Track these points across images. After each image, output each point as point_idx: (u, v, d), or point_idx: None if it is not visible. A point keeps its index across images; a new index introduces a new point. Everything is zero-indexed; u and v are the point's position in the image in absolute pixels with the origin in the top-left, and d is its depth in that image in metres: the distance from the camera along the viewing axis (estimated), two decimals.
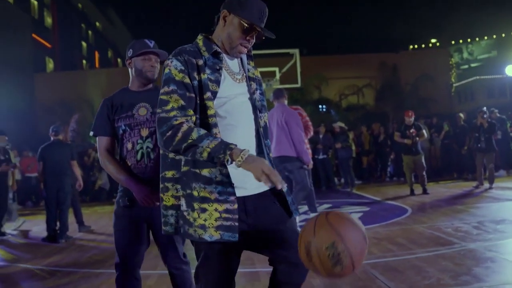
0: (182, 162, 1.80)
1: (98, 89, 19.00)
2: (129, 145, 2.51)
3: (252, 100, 1.93)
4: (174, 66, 1.76)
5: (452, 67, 22.69)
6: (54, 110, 16.65)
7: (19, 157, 12.28)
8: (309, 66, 18.14)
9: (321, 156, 11.30)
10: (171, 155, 1.82)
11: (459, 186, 9.92)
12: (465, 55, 37.00)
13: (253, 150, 1.87)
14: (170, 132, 1.68)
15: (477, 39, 35.24)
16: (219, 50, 1.85)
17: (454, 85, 23.40)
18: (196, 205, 1.74)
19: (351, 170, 10.95)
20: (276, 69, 12.53)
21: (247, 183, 1.81)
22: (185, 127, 1.67)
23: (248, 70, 1.98)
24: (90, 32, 44.29)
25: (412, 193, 8.96)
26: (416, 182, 9.37)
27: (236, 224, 1.75)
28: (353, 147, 11.15)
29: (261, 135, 1.93)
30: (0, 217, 7.08)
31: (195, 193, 1.74)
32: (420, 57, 19.23)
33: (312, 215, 6.22)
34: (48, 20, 35.53)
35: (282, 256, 1.86)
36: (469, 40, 34.97)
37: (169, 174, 1.83)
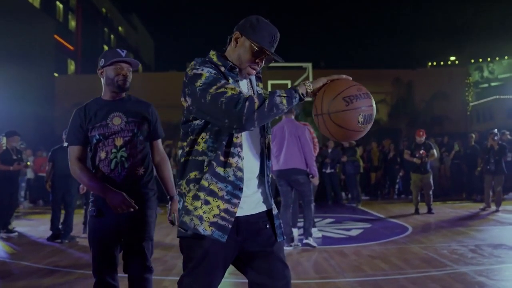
0: (206, 163, 1.81)
1: None
2: (103, 154, 2.52)
3: None
4: (208, 71, 1.77)
5: (469, 85, 22.49)
6: (72, 113, 16.97)
7: (33, 157, 12.60)
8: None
9: (328, 170, 11.32)
10: (197, 157, 1.82)
11: (466, 207, 9.84)
12: (486, 73, 36.57)
13: (256, 169, 1.90)
14: (247, 103, 1.65)
15: (497, 58, 34.83)
16: (234, 65, 1.88)
17: (471, 104, 23.16)
18: (202, 195, 1.77)
19: (358, 185, 10.95)
20: (289, 82, 12.63)
21: (245, 203, 1.84)
22: (255, 97, 1.66)
23: (257, 91, 2.02)
24: (112, 36, 45.13)
25: (416, 212, 8.92)
26: (422, 201, 9.32)
27: (230, 226, 1.77)
28: (361, 163, 11.14)
29: (265, 155, 1.95)
30: (9, 215, 7.29)
31: (206, 183, 1.77)
32: (436, 74, 19.07)
33: (294, 230, 6.26)
34: (72, 23, 36.38)
35: (261, 283, 1.85)
36: (489, 59, 34.58)
37: (192, 175, 1.82)
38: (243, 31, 1.87)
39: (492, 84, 35.33)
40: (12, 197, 7.32)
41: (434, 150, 9.38)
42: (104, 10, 42.66)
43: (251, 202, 1.86)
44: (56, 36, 30.74)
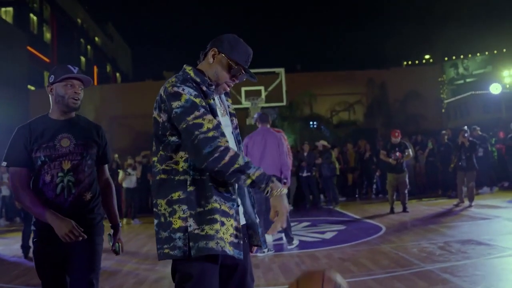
0: (188, 182, 1.80)
1: (92, 105, 19.17)
2: (48, 177, 2.33)
3: (234, 134, 2.04)
4: (188, 93, 1.78)
5: (444, 83, 22.90)
6: None
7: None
8: (301, 82, 18.36)
9: (305, 174, 11.39)
10: (178, 176, 1.82)
11: (440, 204, 10.00)
12: (461, 70, 37.20)
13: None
14: (217, 154, 1.70)
15: (469, 55, 35.50)
16: (211, 82, 1.92)
17: (446, 101, 23.57)
18: (217, 217, 1.77)
19: (335, 187, 11.05)
20: (262, 87, 12.70)
21: (239, 212, 1.90)
22: (231, 151, 1.73)
23: (228, 106, 2.08)
24: (89, 47, 44.74)
25: (392, 211, 9.03)
26: (398, 200, 9.44)
27: (241, 242, 1.84)
28: (337, 165, 11.24)
29: None
30: None
31: (217, 205, 1.79)
32: (409, 74, 19.39)
33: (268, 237, 6.32)
34: (47, 35, 35.95)
35: None
36: (461, 56, 35.22)
37: (175, 196, 1.80)
38: (221, 49, 1.92)
39: (468, 80, 35.96)
40: None
41: (410, 150, 9.52)
42: (79, 20, 42.31)
43: (240, 213, 1.93)
44: (30, 49, 30.34)
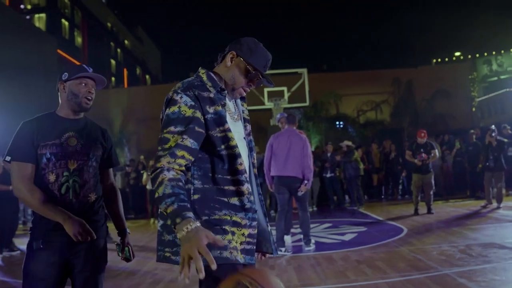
0: (192, 191, 1.77)
1: (119, 108, 19.58)
2: (52, 177, 2.24)
3: (247, 141, 1.97)
4: (184, 102, 1.74)
5: (475, 80, 22.21)
6: None
7: None
8: (327, 82, 18.22)
9: (329, 175, 11.32)
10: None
11: (468, 205, 9.74)
12: (494, 67, 36.06)
13: (254, 187, 1.93)
14: (153, 175, 1.68)
15: (502, 51, 34.34)
16: (223, 87, 1.87)
17: (478, 99, 22.88)
18: (228, 228, 1.76)
19: (359, 188, 10.91)
20: (285, 88, 12.65)
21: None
22: (160, 178, 1.64)
23: (242, 111, 2.03)
24: (119, 50, 45.75)
25: (416, 212, 8.86)
26: (423, 201, 9.25)
27: (254, 248, 1.84)
28: (361, 165, 11.10)
29: (253, 175, 1.97)
30: (11, 234, 7.45)
31: (228, 217, 1.77)
32: (437, 72, 18.89)
33: (287, 237, 6.35)
34: (79, 40, 37.00)
35: None
36: (493, 52, 34.10)
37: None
38: (240, 52, 1.87)
39: (502, 77, 34.79)
40: (13, 216, 7.47)
41: (436, 151, 9.28)
42: (109, 24, 43.31)
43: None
44: (62, 53, 31.29)
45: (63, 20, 34.32)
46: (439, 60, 32.28)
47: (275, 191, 6.20)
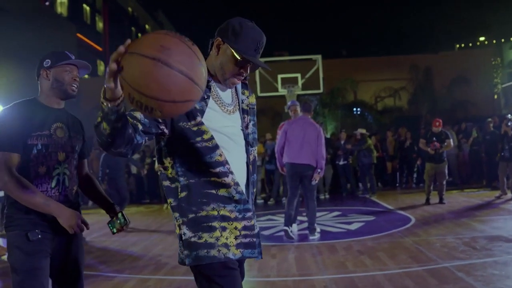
0: (179, 189, 1.74)
1: None
2: (42, 169, 2.17)
3: (244, 133, 1.85)
4: None
5: (498, 66, 21.59)
6: (92, 114, 17.56)
7: None
8: (344, 68, 17.99)
9: (341, 162, 11.25)
10: (169, 183, 1.77)
11: (482, 196, 9.57)
12: None
13: (243, 184, 1.82)
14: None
15: None
16: (208, 78, 1.72)
17: (503, 85, 22.26)
18: (217, 224, 1.70)
19: (372, 176, 10.82)
20: (299, 75, 12.56)
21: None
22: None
23: (242, 101, 1.89)
24: (139, 35, 45.96)
25: (427, 202, 8.76)
26: (436, 190, 9.13)
27: (255, 239, 1.77)
28: (374, 153, 10.98)
29: (250, 170, 1.87)
30: None
31: (215, 212, 1.70)
32: (458, 57, 18.38)
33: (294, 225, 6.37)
34: (100, 25, 37.28)
35: None
36: None
37: (170, 201, 1.78)
38: (225, 38, 1.71)
39: None
40: None
41: (451, 140, 9.08)
42: (130, 9, 43.47)
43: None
44: (84, 38, 31.62)
45: (84, 5, 34.58)
46: (463, 45, 31.45)
47: (288, 179, 6.26)
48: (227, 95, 1.83)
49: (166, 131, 1.71)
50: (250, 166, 1.86)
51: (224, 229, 1.71)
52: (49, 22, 20.23)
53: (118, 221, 2.31)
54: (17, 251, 2.11)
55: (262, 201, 10.92)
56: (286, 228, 6.15)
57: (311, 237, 6.11)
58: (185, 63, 1.30)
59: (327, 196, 11.13)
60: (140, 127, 1.62)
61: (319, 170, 6.07)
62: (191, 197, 1.72)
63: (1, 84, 11.69)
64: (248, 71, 1.78)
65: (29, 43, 15.72)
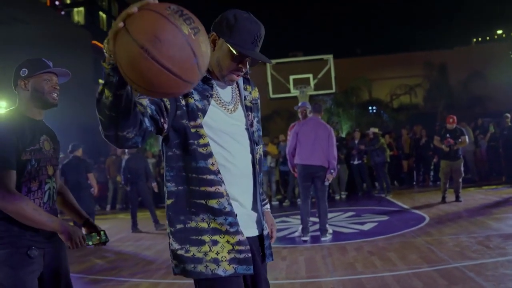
0: (166, 195, 1.66)
1: None
2: (35, 184, 2.12)
3: (249, 133, 1.77)
4: None
5: None
6: None
7: None
8: (358, 67, 17.86)
9: (356, 162, 11.18)
10: (164, 188, 1.70)
11: (500, 193, 9.37)
12: None
13: (250, 185, 1.75)
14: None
15: None
16: (209, 76, 1.65)
17: None
18: (207, 238, 1.59)
19: (386, 175, 10.72)
20: (310, 75, 12.52)
21: (248, 225, 1.72)
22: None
23: (245, 97, 1.79)
24: None
25: (443, 200, 8.62)
26: (452, 188, 8.98)
27: (250, 255, 1.64)
28: (387, 152, 10.88)
29: (256, 170, 1.77)
30: None
31: (205, 225, 1.60)
32: (474, 52, 18.04)
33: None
34: None
35: None
36: None
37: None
38: (220, 32, 1.62)
39: None
40: None
41: (466, 137, 8.93)
42: None
43: (253, 224, 1.75)
44: (100, 44, 32.10)
45: (100, 13, 35.14)
46: (480, 39, 30.86)
47: (300, 180, 6.25)
48: (226, 93, 1.74)
49: (165, 126, 1.60)
50: (257, 166, 1.77)
51: (215, 243, 1.60)
52: (65, 31, 20.64)
53: (98, 238, 2.26)
54: (6, 269, 2.00)
55: (277, 202, 10.92)
56: (305, 238, 6.13)
57: (322, 239, 6.09)
58: (175, 59, 1.21)
59: (344, 196, 11.05)
60: (149, 111, 1.52)
61: (332, 171, 6.06)
62: (179, 206, 1.63)
63: None
64: (248, 66, 1.68)
65: (46, 52, 16.08)
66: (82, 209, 7.39)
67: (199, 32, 1.25)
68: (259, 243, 1.78)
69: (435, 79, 17.11)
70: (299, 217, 6.56)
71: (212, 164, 1.62)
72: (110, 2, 36.76)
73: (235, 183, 1.68)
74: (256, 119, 1.82)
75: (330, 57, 12.54)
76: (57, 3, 31.79)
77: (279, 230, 7.03)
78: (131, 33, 1.20)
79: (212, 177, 1.61)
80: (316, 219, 6.38)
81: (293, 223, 7.62)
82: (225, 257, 1.59)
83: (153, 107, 1.54)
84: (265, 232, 1.79)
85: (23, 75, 2.18)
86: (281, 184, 11.51)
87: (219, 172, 1.63)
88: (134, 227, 7.96)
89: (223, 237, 1.60)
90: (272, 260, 1.82)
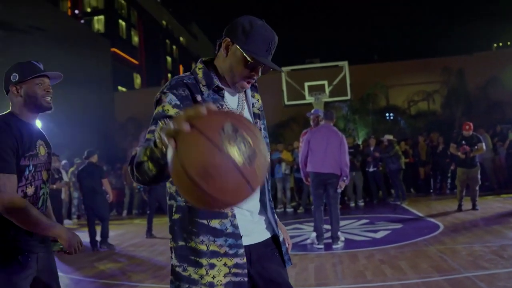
0: (174, 209, 1.61)
1: None
2: (31, 189, 2.10)
3: None
4: (168, 102, 1.53)
5: None
6: (126, 126, 18.13)
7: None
8: (375, 73, 17.73)
9: (371, 169, 11.10)
10: (168, 200, 1.66)
11: None
12: None
13: (256, 197, 1.71)
14: (130, 165, 1.43)
15: None
16: (221, 85, 1.64)
17: None
18: (204, 261, 1.54)
19: (401, 183, 10.61)
20: (325, 82, 12.50)
21: (253, 231, 1.67)
22: (135, 152, 1.43)
23: (253, 105, 1.77)
24: (174, 47, 46.96)
25: (459, 208, 8.50)
26: (469, 196, 8.84)
27: (246, 279, 1.58)
28: (403, 159, 10.77)
29: (266, 179, 1.72)
30: None
31: (204, 247, 1.55)
32: (493, 57, 17.67)
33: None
34: (135, 39, 38.39)
35: None
36: None
37: (167, 221, 1.67)
38: (234, 38, 1.59)
39: None
40: (58, 212, 8.01)
41: (483, 144, 8.79)
42: (164, 22, 44.49)
43: (259, 229, 1.70)
44: (120, 52, 32.71)
45: (120, 21, 35.75)
46: (500, 44, 30.31)
47: (312, 188, 6.24)
48: (234, 100, 1.70)
49: None
50: (266, 174, 1.73)
51: (212, 266, 1.55)
52: (85, 39, 21.05)
53: (61, 246, 2.20)
54: (1, 275, 1.97)
55: (292, 209, 10.90)
56: (320, 246, 6.12)
57: (334, 246, 6.06)
58: (227, 191, 1.15)
59: (360, 203, 10.96)
60: None
61: (344, 178, 6.05)
62: (184, 222, 1.58)
63: None
64: (260, 74, 1.65)
65: (65, 60, 16.43)
66: (97, 214, 7.45)
67: (255, 156, 1.16)
68: (275, 245, 1.75)
69: (452, 85, 16.89)
70: (312, 224, 6.55)
71: None
72: (130, 10, 37.40)
73: None
74: (263, 126, 1.81)
75: (345, 63, 12.50)
76: (76, 11, 32.49)
77: (291, 237, 7.01)
78: (180, 160, 1.13)
79: None
80: (329, 227, 6.36)
81: (306, 230, 7.60)
82: (220, 281, 1.55)
83: None
84: (280, 238, 1.77)
85: (14, 81, 2.15)
86: (296, 191, 11.48)
87: None
88: (149, 232, 8.04)
89: (221, 260, 1.56)
90: (291, 264, 1.80)
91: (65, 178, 8.54)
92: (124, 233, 9.05)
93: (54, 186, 7.66)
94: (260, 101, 1.84)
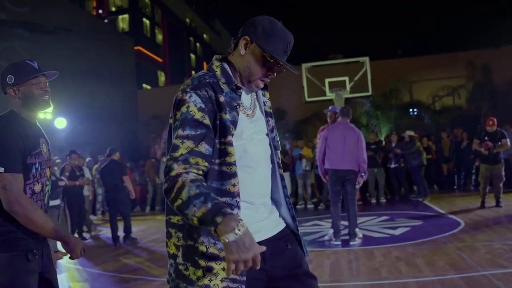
0: None
1: None
2: (38, 187, 2.12)
3: (270, 138, 1.74)
4: (193, 102, 1.51)
5: None
6: (150, 124, 18.37)
7: None
8: (399, 69, 17.45)
9: (393, 165, 10.98)
10: None
11: None
12: None
13: (267, 193, 1.72)
14: (166, 185, 1.45)
15: None
16: (239, 85, 1.63)
17: None
18: (203, 263, 1.53)
19: (423, 179, 10.46)
20: (346, 78, 12.38)
21: (262, 226, 1.65)
22: (179, 181, 1.42)
23: (264, 103, 1.78)
24: (198, 44, 47.30)
25: (482, 205, 8.34)
26: (492, 193, 8.66)
27: (243, 286, 1.55)
28: (424, 155, 10.62)
29: (278, 175, 1.75)
30: (80, 223, 8.23)
31: (203, 249, 1.53)
32: None
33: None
34: (159, 37, 38.84)
35: None
36: None
37: (174, 219, 1.63)
38: (254, 37, 1.59)
39: None
40: (81, 208, 8.23)
41: (507, 140, 8.58)
42: (188, 20, 44.84)
43: (269, 225, 1.69)
44: (144, 50, 33.17)
45: (144, 19, 36.22)
46: None
47: (330, 185, 6.24)
48: (247, 98, 1.71)
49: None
50: (281, 171, 1.77)
51: (209, 269, 1.53)
52: (110, 38, 21.42)
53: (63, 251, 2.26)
54: (10, 273, 1.99)
55: (312, 205, 10.89)
56: (337, 243, 6.13)
57: (351, 243, 6.05)
58: None
59: (382, 200, 10.85)
60: (201, 174, 1.51)
61: (362, 174, 6.04)
62: (203, 231, 1.57)
63: (66, 101, 12.60)
64: (275, 74, 1.66)
65: (91, 60, 16.79)
66: (119, 210, 7.63)
67: None
68: (292, 234, 1.76)
69: (478, 80, 16.47)
70: (331, 220, 6.55)
71: (234, 185, 1.55)
72: (154, 9, 37.85)
73: (255, 187, 1.65)
74: (271, 126, 1.80)
75: (366, 59, 12.36)
76: (100, 11, 33.08)
77: (309, 234, 7.04)
78: None
79: (226, 199, 1.55)
80: (347, 223, 6.35)
81: (324, 226, 7.60)
82: (217, 285, 1.52)
83: (210, 150, 1.54)
84: (299, 233, 1.78)
85: (10, 82, 2.16)
86: (316, 187, 11.46)
87: (238, 195, 1.56)
88: None
89: (219, 264, 1.53)
90: (308, 257, 1.81)
91: (87, 175, 8.73)
92: (146, 229, 9.22)
93: (77, 183, 7.86)
94: (268, 96, 1.84)
